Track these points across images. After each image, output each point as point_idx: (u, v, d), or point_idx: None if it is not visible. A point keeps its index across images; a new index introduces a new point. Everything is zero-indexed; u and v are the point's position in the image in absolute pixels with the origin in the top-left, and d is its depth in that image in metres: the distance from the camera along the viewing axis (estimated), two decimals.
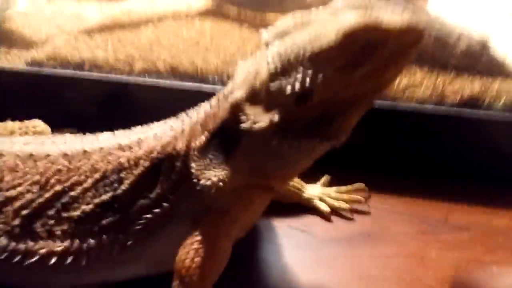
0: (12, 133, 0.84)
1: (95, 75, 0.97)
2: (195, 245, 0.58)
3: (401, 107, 0.86)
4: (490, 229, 0.79)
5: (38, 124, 0.87)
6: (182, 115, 0.66)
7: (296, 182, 0.83)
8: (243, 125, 0.56)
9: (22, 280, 0.66)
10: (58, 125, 0.88)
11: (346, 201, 0.83)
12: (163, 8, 1.30)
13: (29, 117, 0.86)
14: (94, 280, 0.66)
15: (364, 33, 0.53)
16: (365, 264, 0.73)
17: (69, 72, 0.99)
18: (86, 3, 1.47)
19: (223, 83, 0.92)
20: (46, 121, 0.86)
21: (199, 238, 0.59)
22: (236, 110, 0.57)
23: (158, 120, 0.69)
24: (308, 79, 0.54)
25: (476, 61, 0.93)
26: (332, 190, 0.85)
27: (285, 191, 0.82)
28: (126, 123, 0.70)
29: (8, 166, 0.68)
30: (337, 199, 0.83)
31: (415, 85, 0.88)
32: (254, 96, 0.57)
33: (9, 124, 0.85)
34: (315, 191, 0.84)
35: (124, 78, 0.96)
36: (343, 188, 0.85)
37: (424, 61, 0.93)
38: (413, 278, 0.71)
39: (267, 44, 0.58)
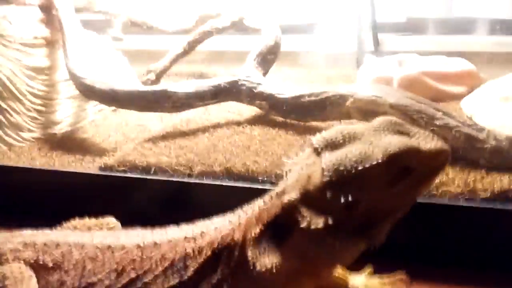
0: (89, 228, 0.96)
1: (160, 178, 1.11)
2: None
3: (437, 201, 0.94)
4: None
5: (111, 220, 0.99)
6: (238, 211, 0.76)
7: (342, 271, 0.90)
8: (301, 225, 0.66)
9: None
10: (127, 222, 1.00)
11: None
12: (217, 117, 1.45)
13: (103, 214, 0.99)
14: None
15: (405, 157, 0.65)
16: None
17: (137, 175, 1.13)
18: (148, 113, 1.65)
19: (272, 183, 1.04)
20: (117, 218, 0.99)
21: None
22: (290, 208, 0.68)
23: (215, 215, 0.79)
24: (358, 192, 0.64)
25: (505, 157, 1.01)
26: (376, 281, 0.91)
27: (331, 280, 0.89)
28: (188, 219, 0.81)
29: (89, 256, 0.79)
30: None
31: (447, 183, 0.97)
32: (308, 198, 0.67)
33: (87, 221, 0.98)
34: (360, 281, 0.90)
35: (185, 180, 1.09)
36: (385, 277, 0.91)
37: (455, 159, 1.02)
38: None
39: (317, 151, 0.69)
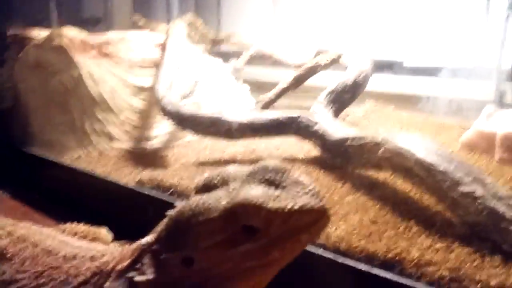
0: (74, 234, 1.02)
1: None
2: None
3: None
4: None
5: (101, 232, 1.04)
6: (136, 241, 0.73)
7: None
8: (128, 274, 0.62)
9: None
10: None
11: None
12: (276, 149, 1.40)
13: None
14: None
15: (244, 215, 0.55)
16: None
17: (154, 194, 1.16)
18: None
19: None
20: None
21: None
22: (138, 254, 0.63)
23: None
24: (192, 247, 0.57)
25: None
26: None
27: None
28: None
29: (30, 255, 0.84)
30: None
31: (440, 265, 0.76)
32: (154, 250, 0.62)
33: (75, 227, 1.04)
34: None
35: None
36: None
37: (471, 237, 0.81)
38: None
39: (196, 190, 0.63)
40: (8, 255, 0.88)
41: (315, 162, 1.27)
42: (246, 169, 0.61)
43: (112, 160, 1.51)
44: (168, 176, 1.22)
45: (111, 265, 0.69)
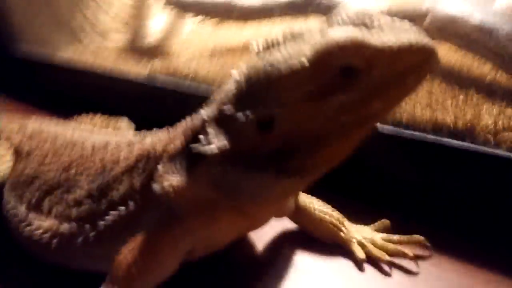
0: (95, 125, 0.92)
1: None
2: (135, 243, 0.55)
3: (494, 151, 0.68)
4: None
5: (122, 121, 0.94)
6: (182, 122, 0.63)
7: (337, 218, 0.72)
8: (192, 147, 0.52)
9: (35, 251, 0.70)
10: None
11: (390, 253, 0.69)
12: None
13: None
14: (79, 266, 0.66)
15: (341, 55, 0.45)
16: None
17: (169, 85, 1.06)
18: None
19: None
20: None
21: (141, 237, 0.55)
22: (200, 128, 0.53)
23: None
24: (270, 105, 0.47)
25: None
26: (379, 236, 0.71)
27: (322, 227, 0.72)
28: None
29: (55, 148, 0.75)
30: (381, 248, 0.69)
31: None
32: (220, 117, 0.52)
33: (95, 117, 0.94)
34: (358, 233, 0.72)
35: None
36: (396, 237, 0.71)
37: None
38: None
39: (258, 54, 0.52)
40: (24, 151, 0.78)
41: None
42: (320, 24, 0.50)
43: (111, 55, 1.38)
44: (182, 64, 1.11)
45: (159, 147, 0.60)
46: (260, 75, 0.48)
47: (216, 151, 0.50)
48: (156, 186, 0.56)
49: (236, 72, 0.51)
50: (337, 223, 0.72)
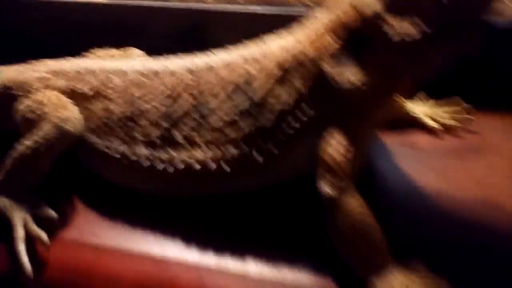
0: (113, 56, 0.84)
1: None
2: (342, 142, 0.59)
3: None
4: None
5: (135, 51, 0.87)
6: (297, 29, 0.66)
7: (397, 100, 0.82)
8: (394, 38, 0.56)
9: (164, 189, 0.67)
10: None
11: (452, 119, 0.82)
12: None
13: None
14: (236, 190, 0.67)
15: None
16: (480, 174, 0.74)
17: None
18: None
19: None
20: None
21: (344, 136, 0.59)
22: (374, 20, 0.57)
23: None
24: None
25: None
26: (437, 108, 0.84)
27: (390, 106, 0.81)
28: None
29: (135, 83, 0.69)
30: (443, 117, 0.83)
31: None
32: (393, 6, 0.56)
33: (109, 51, 0.85)
34: (419, 108, 0.84)
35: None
36: (445, 105, 0.84)
37: None
38: None
39: None
40: (90, 93, 0.70)
41: None
42: None
43: None
44: None
45: (308, 51, 0.61)
46: None
47: (417, 36, 0.54)
48: (337, 83, 0.59)
49: None
50: (400, 101, 0.82)
